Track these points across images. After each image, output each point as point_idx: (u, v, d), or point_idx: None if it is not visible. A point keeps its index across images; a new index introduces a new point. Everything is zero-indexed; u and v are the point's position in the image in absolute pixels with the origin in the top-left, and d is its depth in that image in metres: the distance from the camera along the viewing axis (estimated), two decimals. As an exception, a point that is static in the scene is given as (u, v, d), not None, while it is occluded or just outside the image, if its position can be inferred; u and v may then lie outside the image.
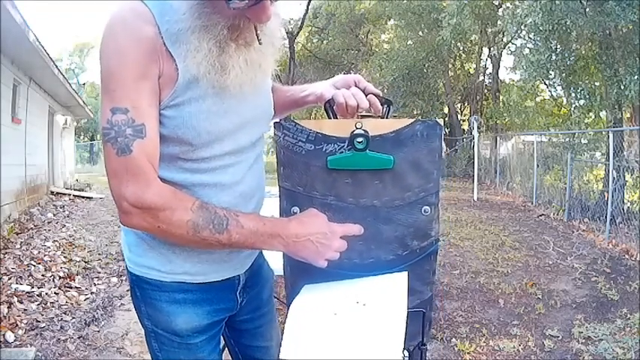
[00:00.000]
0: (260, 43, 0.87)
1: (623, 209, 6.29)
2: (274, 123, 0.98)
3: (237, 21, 0.83)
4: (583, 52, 8.22)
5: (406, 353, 1.00)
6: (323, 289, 0.96)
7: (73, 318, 3.18)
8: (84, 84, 27.63)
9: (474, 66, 16.80)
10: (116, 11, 0.84)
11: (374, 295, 0.89)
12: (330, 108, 1.04)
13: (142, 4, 0.84)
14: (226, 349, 1.24)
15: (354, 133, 0.93)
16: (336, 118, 1.04)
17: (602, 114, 8.37)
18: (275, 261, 1.19)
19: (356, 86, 1.05)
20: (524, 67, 8.16)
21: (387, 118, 1.04)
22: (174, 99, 0.86)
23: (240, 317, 1.12)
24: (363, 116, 1.04)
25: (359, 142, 0.92)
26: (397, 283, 0.91)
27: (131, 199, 0.83)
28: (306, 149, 0.96)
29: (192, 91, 0.87)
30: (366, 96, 1.02)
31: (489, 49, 15.12)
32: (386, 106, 1.05)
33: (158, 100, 0.86)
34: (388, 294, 0.89)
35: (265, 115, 1.03)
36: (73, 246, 5.35)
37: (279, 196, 1.00)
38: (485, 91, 16.39)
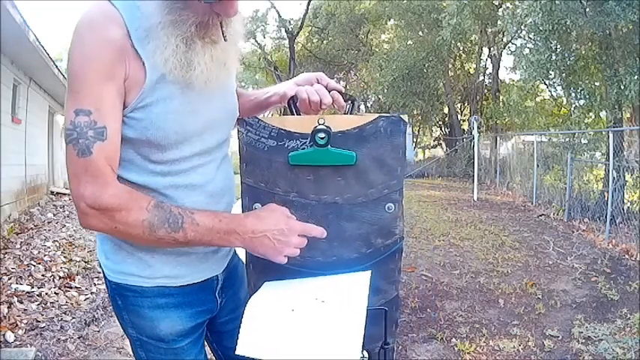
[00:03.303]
0: (225, 40, 0.88)
1: (623, 209, 6.28)
2: (237, 119, 0.98)
3: (205, 17, 0.84)
4: (583, 52, 8.21)
5: (365, 354, 0.98)
6: (283, 286, 0.95)
7: (73, 318, 3.17)
8: (84, 84, 27.50)
9: (474, 66, 16.79)
10: (85, 13, 0.84)
11: (334, 293, 0.88)
12: (294, 104, 1.04)
13: (110, 5, 0.84)
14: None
15: (316, 128, 0.92)
16: (299, 114, 1.04)
17: (602, 114, 8.35)
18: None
19: (319, 83, 1.05)
20: (524, 67, 8.15)
21: (350, 114, 1.03)
22: (141, 100, 0.87)
23: (221, 319, 1.13)
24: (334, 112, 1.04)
25: (321, 138, 0.91)
26: (359, 281, 0.90)
27: (89, 200, 0.83)
28: (269, 145, 0.95)
29: (159, 92, 0.87)
30: (330, 92, 1.02)
31: (489, 49, 15.11)
32: (349, 102, 1.04)
33: (122, 103, 0.86)
34: (349, 292, 0.87)
35: (230, 116, 1.03)
36: (73, 246, 5.35)
37: (241, 193, 0.99)
38: (485, 91, 16.38)
